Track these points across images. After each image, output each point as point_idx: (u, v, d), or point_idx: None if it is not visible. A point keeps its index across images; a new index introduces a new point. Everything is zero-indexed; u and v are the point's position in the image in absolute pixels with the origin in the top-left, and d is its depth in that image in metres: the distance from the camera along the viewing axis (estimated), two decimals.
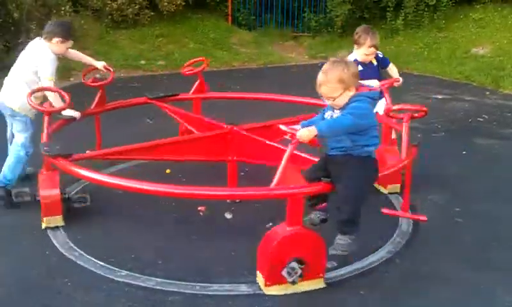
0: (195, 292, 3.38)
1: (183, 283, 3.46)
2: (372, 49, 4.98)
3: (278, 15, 15.23)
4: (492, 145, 6.54)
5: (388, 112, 4.49)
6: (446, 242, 4.11)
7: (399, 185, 4.86)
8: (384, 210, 4.01)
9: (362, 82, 4.53)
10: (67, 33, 4.73)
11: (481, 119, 7.73)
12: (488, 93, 9.49)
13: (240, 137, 4.62)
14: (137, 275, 3.54)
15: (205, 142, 4.70)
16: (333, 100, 3.24)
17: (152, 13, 12.69)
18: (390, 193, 4.90)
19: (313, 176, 3.46)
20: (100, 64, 5.32)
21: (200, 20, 13.95)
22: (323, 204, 3.56)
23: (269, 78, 10.86)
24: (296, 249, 3.32)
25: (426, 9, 13.00)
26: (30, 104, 4.39)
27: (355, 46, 5.09)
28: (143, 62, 11.34)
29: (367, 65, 5.00)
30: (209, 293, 3.38)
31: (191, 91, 5.90)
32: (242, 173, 4.98)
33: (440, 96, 9.11)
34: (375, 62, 5.11)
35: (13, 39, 9.37)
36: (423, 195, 4.81)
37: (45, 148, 4.04)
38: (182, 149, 4.63)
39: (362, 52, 5.00)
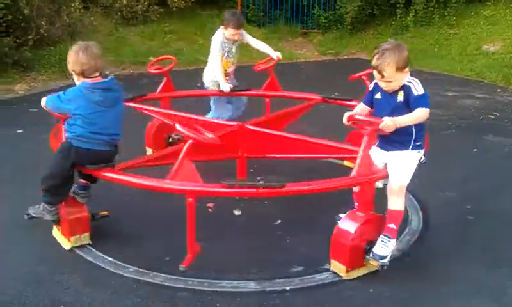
0: (203, 288, 3.38)
1: (191, 279, 3.46)
2: (376, 73, 3.50)
3: (288, 11, 15.21)
4: (503, 143, 6.49)
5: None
6: (456, 239, 4.08)
7: None
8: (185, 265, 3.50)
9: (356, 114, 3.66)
10: (226, 22, 5.58)
11: (492, 117, 7.67)
12: (499, 90, 9.42)
13: (250, 133, 4.62)
14: (145, 271, 3.54)
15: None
16: None
17: (161, 10, 12.72)
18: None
19: None
20: (275, 55, 5.94)
21: (209, 16, 13.96)
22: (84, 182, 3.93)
23: (278, 75, 10.82)
24: None
25: (436, 5, 12.93)
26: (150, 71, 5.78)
27: None
28: (152, 58, 11.31)
29: (386, 95, 3.56)
30: (217, 289, 3.38)
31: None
32: (251, 170, 4.97)
33: (450, 94, 9.06)
34: (400, 97, 3.47)
35: (23, 36, 9.41)
36: (433, 192, 4.78)
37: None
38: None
39: None
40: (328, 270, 3.60)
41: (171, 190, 3.50)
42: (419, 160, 3.57)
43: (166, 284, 3.42)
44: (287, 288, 3.40)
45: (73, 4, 10.58)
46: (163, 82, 5.85)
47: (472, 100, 8.72)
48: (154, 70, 5.89)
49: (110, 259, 3.68)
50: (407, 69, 3.47)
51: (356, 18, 13.89)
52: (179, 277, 3.47)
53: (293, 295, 3.34)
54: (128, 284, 3.41)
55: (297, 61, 12.57)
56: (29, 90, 8.65)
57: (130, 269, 3.57)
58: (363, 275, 3.54)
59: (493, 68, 10.42)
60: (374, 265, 3.47)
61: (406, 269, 3.67)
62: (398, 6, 13.27)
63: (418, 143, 3.54)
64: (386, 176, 3.55)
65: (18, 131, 6.39)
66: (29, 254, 3.78)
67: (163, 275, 3.50)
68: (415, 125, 3.49)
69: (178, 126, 3.46)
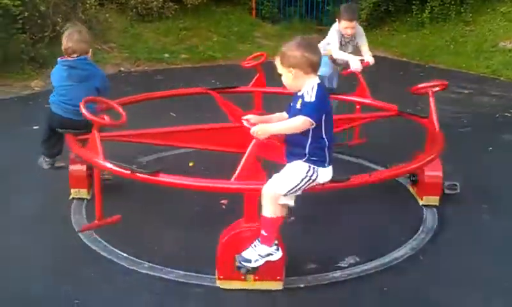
0: (217, 285, 3.39)
1: (204, 275, 3.47)
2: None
3: (302, 8, 15.16)
4: None
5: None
6: (472, 239, 4.05)
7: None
8: (83, 228, 3.92)
9: None
10: (340, 15, 5.52)
11: (508, 115, 7.58)
12: None
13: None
14: (159, 267, 3.57)
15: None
16: None
17: (176, 6, 12.73)
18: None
19: None
20: (371, 60, 5.58)
21: (224, 13, 13.96)
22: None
23: None
24: None
25: (453, 2, 12.81)
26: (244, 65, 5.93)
27: None
28: (166, 55, 11.37)
29: (293, 102, 3.27)
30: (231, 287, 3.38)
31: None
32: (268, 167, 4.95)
33: (466, 91, 8.97)
34: (298, 105, 3.16)
35: (40, 32, 9.48)
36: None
37: None
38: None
39: None
40: (342, 268, 3.60)
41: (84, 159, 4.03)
42: (307, 174, 3.15)
43: (180, 280, 3.44)
44: (301, 285, 3.41)
45: (88, 1, 10.62)
46: (256, 77, 5.82)
47: (488, 97, 8.63)
48: (247, 64, 5.88)
49: (125, 255, 3.71)
50: (294, 71, 3.11)
51: (371, 15, 13.81)
52: (193, 274, 3.48)
53: (306, 293, 3.35)
54: (142, 280, 3.43)
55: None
56: (45, 86, 8.70)
57: (145, 265, 3.59)
58: (377, 272, 3.54)
59: (510, 66, 10.29)
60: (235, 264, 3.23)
61: (421, 267, 3.65)
62: (414, 2, 13.17)
63: (313, 159, 3.17)
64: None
65: (35, 127, 6.44)
66: (46, 248, 3.82)
67: (177, 271, 3.51)
68: (311, 140, 3.14)
69: (82, 108, 3.75)
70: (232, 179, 3.30)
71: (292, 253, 3.75)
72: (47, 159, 4.61)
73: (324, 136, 3.16)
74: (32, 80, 8.95)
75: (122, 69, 10.37)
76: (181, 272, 3.50)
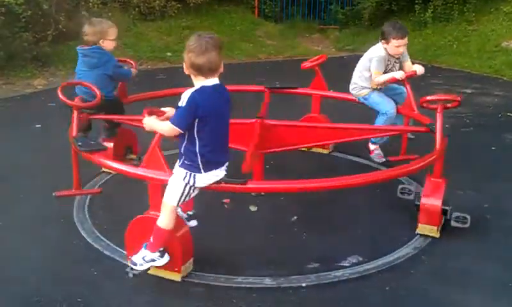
0: (219, 284, 3.40)
1: (207, 274, 3.48)
2: None
3: (305, 7, 15.15)
4: None
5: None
6: (474, 239, 4.04)
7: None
8: (58, 193, 4.13)
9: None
10: (386, 35, 5.07)
11: (511, 115, 7.57)
12: None
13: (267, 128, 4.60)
14: None
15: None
16: None
17: (179, 5, 12.74)
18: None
19: None
20: (418, 68, 5.20)
21: (227, 12, 13.97)
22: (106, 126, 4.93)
23: (295, 71, 10.80)
24: None
25: (455, 1, 12.79)
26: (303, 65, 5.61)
27: None
28: (169, 54, 11.38)
29: None
30: (233, 285, 3.40)
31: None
32: (267, 166, 4.97)
33: (469, 91, 8.96)
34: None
35: (43, 31, 9.49)
36: (451, 190, 4.73)
37: None
38: None
39: None
40: (345, 267, 3.60)
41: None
42: (184, 180, 3.15)
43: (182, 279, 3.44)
44: (303, 284, 3.41)
45: (91, 0, 10.64)
46: (314, 78, 5.64)
47: (490, 97, 8.62)
48: (306, 65, 5.64)
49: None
50: (188, 70, 3.12)
51: (374, 14, 13.80)
52: (195, 273, 3.48)
53: (309, 292, 3.35)
54: (145, 279, 3.43)
55: (313, 57, 12.53)
56: (48, 85, 8.72)
57: None
58: (379, 271, 3.55)
59: None
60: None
61: (423, 267, 3.65)
62: (416, 2, 13.15)
63: (187, 163, 3.13)
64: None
65: (37, 126, 6.46)
66: (50, 247, 3.83)
67: None
68: (186, 142, 3.11)
69: (60, 94, 4.16)
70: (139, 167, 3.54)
71: (294, 252, 3.77)
72: (79, 133, 4.76)
73: (197, 142, 3.08)
74: (35, 78, 8.96)
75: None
76: None
